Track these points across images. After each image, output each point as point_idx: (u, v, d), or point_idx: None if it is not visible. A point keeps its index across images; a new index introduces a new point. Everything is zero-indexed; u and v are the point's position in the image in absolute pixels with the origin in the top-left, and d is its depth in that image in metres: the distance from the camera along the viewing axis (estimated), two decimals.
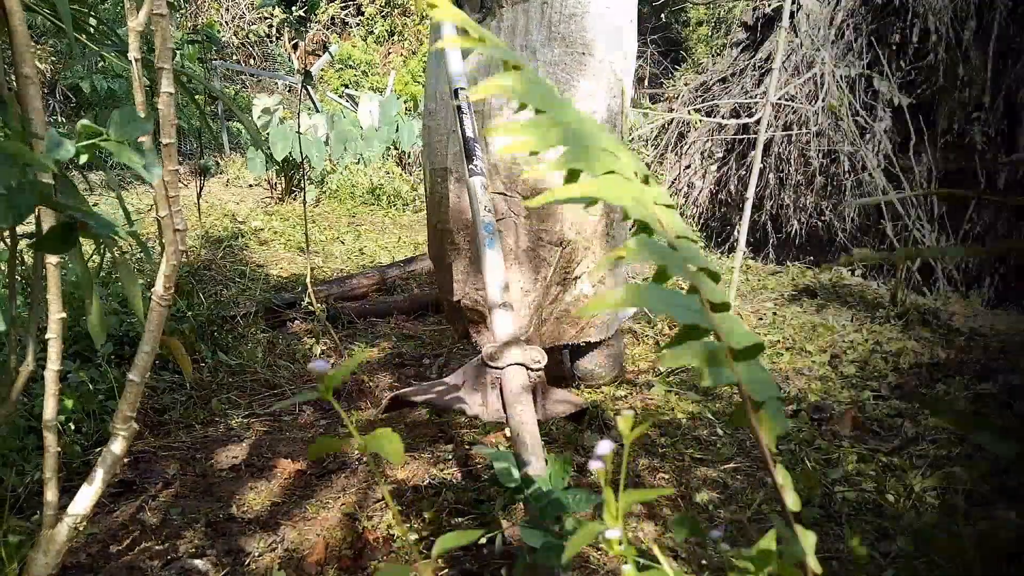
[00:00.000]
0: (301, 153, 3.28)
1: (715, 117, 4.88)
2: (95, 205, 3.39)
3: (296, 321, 2.70)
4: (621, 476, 0.62)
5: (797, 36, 4.47)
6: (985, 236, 4.01)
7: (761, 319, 3.02)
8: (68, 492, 1.02)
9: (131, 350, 2.04)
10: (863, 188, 4.27)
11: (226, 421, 1.93)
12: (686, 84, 5.71)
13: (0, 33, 0.88)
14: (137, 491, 1.56)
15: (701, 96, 5.18)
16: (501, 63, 0.61)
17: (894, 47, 4.29)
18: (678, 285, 2.47)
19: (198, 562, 1.31)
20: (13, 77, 0.89)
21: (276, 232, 4.37)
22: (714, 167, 5.04)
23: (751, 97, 4.64)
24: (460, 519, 1.46)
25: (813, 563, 0.54)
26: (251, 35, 9.69)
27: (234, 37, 9.53)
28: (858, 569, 1.25)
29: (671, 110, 5.39)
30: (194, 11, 9.42)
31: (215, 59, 7.67)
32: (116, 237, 0.76)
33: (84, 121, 0.79)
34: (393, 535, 1.40)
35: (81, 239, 0.79)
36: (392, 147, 6.50)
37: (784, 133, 4.44)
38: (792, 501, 0.54)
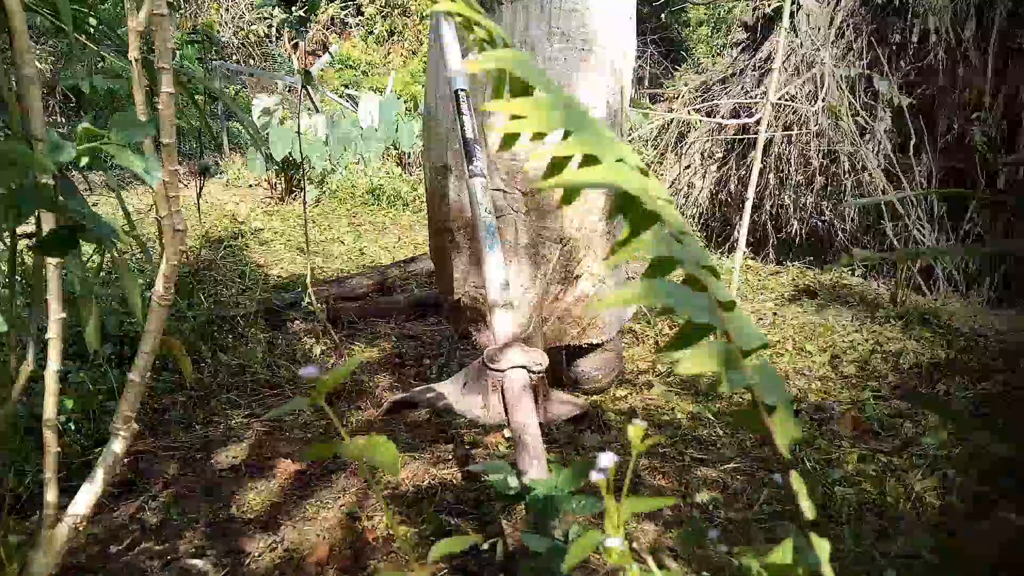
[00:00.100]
0: (301, 153, 3.28)
1: (715, 117, 4.88)
2: (95, 205, 3.39)
3: (296, 321, 2.70)
4: (625, 483, 0.62)
5: (797, 36, 4.47)
6: (985, 236, 4.01)
7: (761, 319, 3.02)
8: (68, 492, 1.02)
9: (131, 350, 2.04)
10: (863, 188, 4.27)
11: (226, 421, 1.93)
12: (686, 84, 5.71)
13: (0, 33, 0.88)
14: (137, 491, 1.56)
15: (701, 96, 5.18)
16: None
17: (894, 47, 4.29)
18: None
19: (198, 562, 1.31)
20: (13, 78, 0.89)
21: (276, 232, 4.37)
22: (714, 167, 5.04)
23: (751, 97, 4.64)
24: (460, 520, 1.46)
25: (829, 573, 0.52)
26: (251, 35, 9.68)
27: (234, 37, 9.53)
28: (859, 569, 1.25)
29: (671, 110, 5.39)
30: (194, 11, 9.41)
31: (215, 59, 7.67)
32: (118, 241, 0.76)
33: (85, 124, 0.80)
34: (392, 534, 1.40)
35: (81, 240, 0.79)
36: (392, 147, 6.50)
37: (784, 133, 4.44)
38: (808, 508, 0.53)
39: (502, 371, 1.48)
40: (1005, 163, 3.85)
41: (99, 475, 0.97)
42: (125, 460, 1.64)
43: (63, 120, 6.38)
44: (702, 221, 5.11)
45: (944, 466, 1.70)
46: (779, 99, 4.23)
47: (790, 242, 4.61)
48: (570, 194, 0.53)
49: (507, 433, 1.83)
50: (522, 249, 1.93)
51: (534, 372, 1.51)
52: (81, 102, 6.56)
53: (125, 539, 1.38)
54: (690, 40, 10.79)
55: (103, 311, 2.14)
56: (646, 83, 9.41)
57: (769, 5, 4.85)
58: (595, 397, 2.15)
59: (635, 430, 0.59)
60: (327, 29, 10.69)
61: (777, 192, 4.59)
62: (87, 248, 2.24)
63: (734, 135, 4.84)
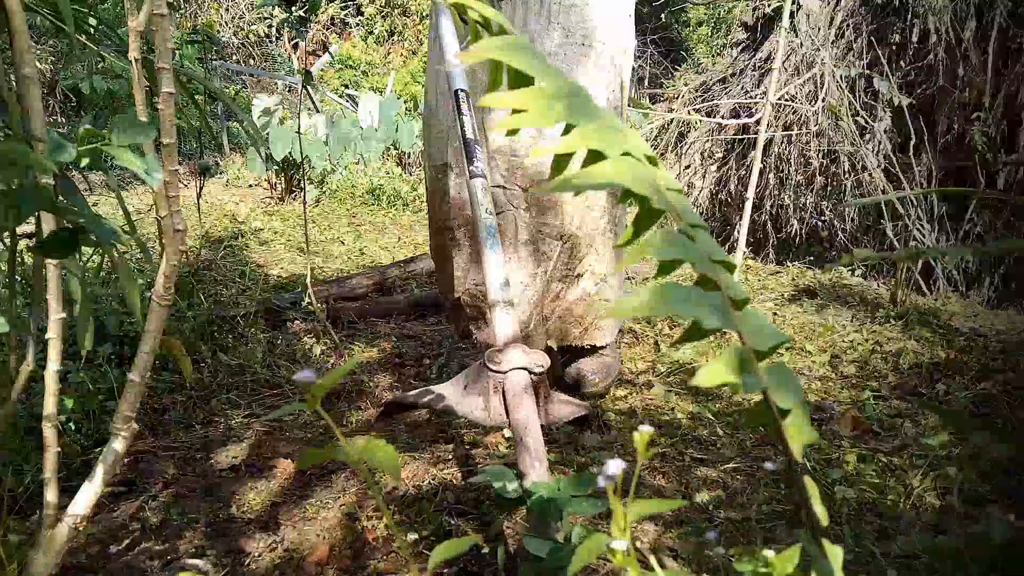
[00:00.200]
0: (301, 153, 3.28)
1: (715, 117, 4.88)
2: (95, 205, 3.39)
3: (296, 321, 2.70)
4: (632, 486, 0.61)
5: (797, 36, 4.47)
6: (985, 236, 4.01)
7: None
8: (68, 492, 1.02)
9: (131, 350, 2.04)
10: (863, 188, 4.27)
11: (226, 421, 1.93)
12: (686, 84, 5.71)
13: (0, 33, 0.88)
14: (137, 491, 1.56)
15: (701, 96, 5.18)
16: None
17: (894, 47, 4.29)
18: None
19: (198, 562, 1.31)
20: (13, 78, 0.89)
21: (276, 232, 4.37)
22: (714, 167, 5.04)
23: (751, 97, 4.64)
24: (461, 520, 1.46)
25: None
26: (251, 35, 9.68)
27: (234, 37, 9.53)
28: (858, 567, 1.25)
29: (671, 110, 5.39)
30: (194, 11, 9.41)
31: (215, 59, 7.67)
32: (117, 242, 0.76)
33: (86, 126, 0.80)
34: (392, 534, 1.40)
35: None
36: (392, 147, 6.50)
37: (784, 133, 4.44)
38: (821, 514, 0.51)
39: (503, 373, 1.47)
40: (1005, 163, 3.85)
41: (99, 475, 0.97)
42: (125, 460, 1.64)
43: (63, 120, 6.38)
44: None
45: (944, 466, 1.70)
46: (779, 99, 4.23)
47: (790, 242, 4.62)
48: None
49: (507, 433, 1.83)
50: (522, 246, 1.92)
51: (535, 373, 1.51)
52: (81, 102, 6.56)
53: (125, 539, 1.38)
54: (690, 40, 10.79)
55: (103, 311, 2.14)
56: (646, 83, 9.41)
57: (769, 5, 4.85)
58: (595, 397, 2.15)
59: (641, 436, 0.58)
60: (327, 29, 10.69)
61: (777, 192, 4.59)
62: (87, 248, 2.24)
63: (734, 135, 4.84)
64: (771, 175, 4.57)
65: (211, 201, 5.08)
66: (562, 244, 1.93)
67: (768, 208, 4.61)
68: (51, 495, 0.97)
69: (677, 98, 5.52)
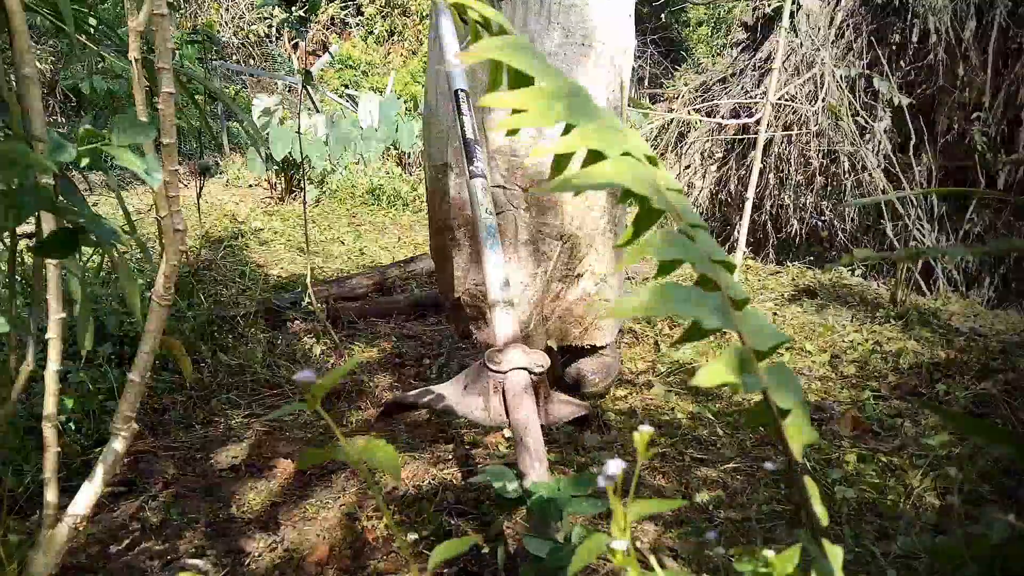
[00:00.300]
0: (301, 153, 3.28)
1: (715, 117, 4.88)
2: (95, 205, 3.39)
3: (296, 321, 2.70)
4: (632, 485, 0.61)
5: (797, 36, 4.47)
6: (985, 236, 4.01)
7: None
8: (68, 492, 1.02)
9: (131, 350, 2.04)
10: (863, 188, 4.27)
11: (226, 421, 1.93)
12: (686, 84, 5.71)
13: (0, 33, 0.88)
14: (137, 491, 1.56)
15: (701, 96, 5.18)
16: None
17: (894, 47, 4.29)
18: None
19: (198, 562, 1.31)
20: (13, 78, 0.89)
21: (276, 232, 4.37)
22: (714, 167, 5.04)
23: (751, 97, 4.64)
24: (461, 520, 1.46)
25: None
26: (251, 35, 9.68)
27: (234, 37, 9.53)
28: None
29: (671, 110, 5.39)
30: (194, 11, 9.42)
31: (215, 59, 7.66)
32: (118, 242, 0.76)
33: (86, 126, 0.80)
34: (392, 534, 1.40)
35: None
36: (392, 147, 6.50)
37: (784, 133, 4.44)
38: (821, 514, 0.51)
39: (503, 373, 1.47)
40: (1004, 162, 3.85)
41: (99, 474, 0.97)
42: (125, 460, 1.64)
43: (63, 120, 6.38)
44: None
45: (944, 466, 1.70)
46: (779, 99, 4.23)
47: (790, 242, 4.62)
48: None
49: (507, 433, 1.83)
50: (522, 246, 1.92)
51: (535, 373, 1.51)
52: (81, 102, 6.56)
53: (125, 539, 1.38)
54: (690, 40, 10.79)
55: (103, 311, 2.14)
56: (646, 83, 9.41)
57: (769, 5, 4.85)
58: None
59: (641, 436, 0.58)
60: (327, 29, 10.69)
61: (777, 192, 4.59)
62: (87, 248, 2.24)
63: (734, 135, 4.84)
64: (771, 175, 4.57)
65: (211, 201, 5.08)
66: (562, 244, 1.93)
67: (768, 208, 4.61)
68: (51, 495, 0.97)
69: (677, 98, 5.52)
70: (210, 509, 1.49)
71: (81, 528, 0.99)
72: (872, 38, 4.33)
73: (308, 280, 2.57)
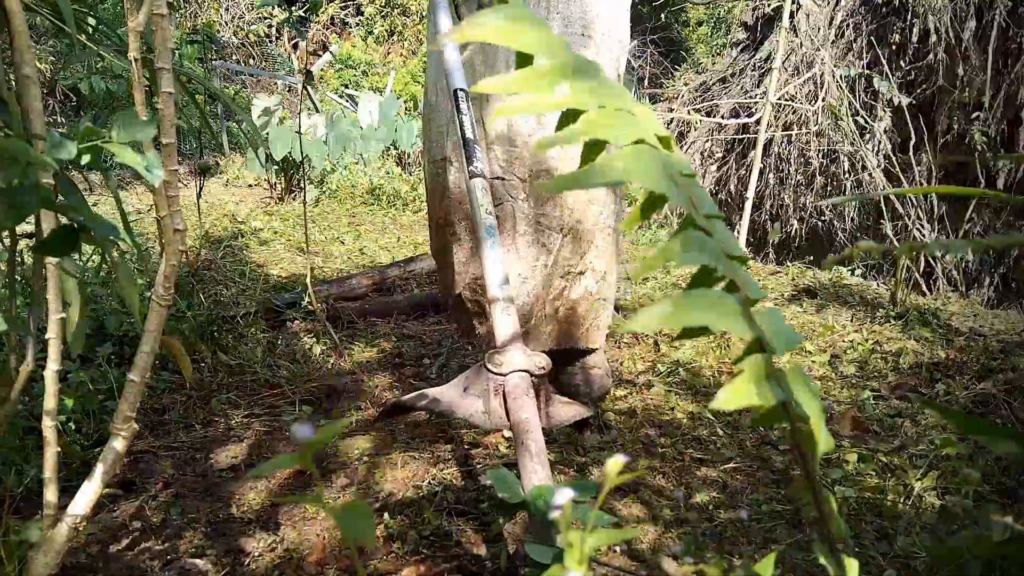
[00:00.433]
0: (301, 153, 3.28)
1: (715, 117, 4.88)
2: (95, 205, 3.39)
3: (296, 321, 2.70)
4: (591, 517, 0.61)
5: (797, 36, 4.47)
6: (985, 235, 4.01)
7: None
8: (68, 492, 1.02)
9: (131, 350, 2.04)
10: (863, 188, 4.27)
11: (226, 421, 1.93)
12: (686, 84, 5.71)
13: (0, 33, 0.88)
14: (137, 491, 1.56)
15: (701, 96, 5.18)
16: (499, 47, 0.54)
17: (894, 47, 4.29)
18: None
19: (198, 562, 1.31)
20: (13, 78, 0.89)
21: (276, 232, 4.37)
22: (714, 167, 5.04)
23: (751, 97, 4.64)
24: (461, 520, 1.46)
25: None
26: (251, 35, 9.68)
27: (234, 37, 9.53)
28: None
29: (671, 110, 5.38)
30: (194, 11, 9.42)
31: (215, 59, 7.67)
32: (118, 241, 0.76)
33: (86, 123, 0.80)
34: (392, 535, 1.40)
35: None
36: (392, 147, 6.50)
37: (784, 133, 4.44)
38: (837, 529, 0.50)
39: (503, 375, 1.46)
40: (998, 158, 3.85)
41: (99, 474, 0.97)
42: (125, 460, 1.64)
43: (63, 120, 6.38)
44: None
45: (944, 466, 1.70)
46: (779, 99, 4.23)
47: (790, 242, 4.62)
48: (571, 182, 0.45)
49: (507, 433, 1.83)
50: (520, 237, 1.91)
51: (536, 375, 1.50)
52: (81, 102, 6.56)
53: (125, 539, 1.38)
54: (690, 40, 10.79)
55: (103, 311, 2.14)
56: (646, 83, 9.41)
57: (769, 5, 4.85)
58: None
59: (613, 464, 0.56)
60: (327, 29, 10.69)
61: (777, 192, 4.59)
62: (87, 248, 2.24)
63: (734, 135, 4.84)
64: (771, 175, 4.57)
65: (211, 201, 5.08)
66: (563, 237, 1.92)
67: (768, 208, 4.61)
68: (51, 495, 0.97)
69: (677, 98, 5.52)
70: (210, 509, 1.49)
71: (81, 528, 0.99)
72: (872, 38, 4.33)
73: (308, 280, 2.57)
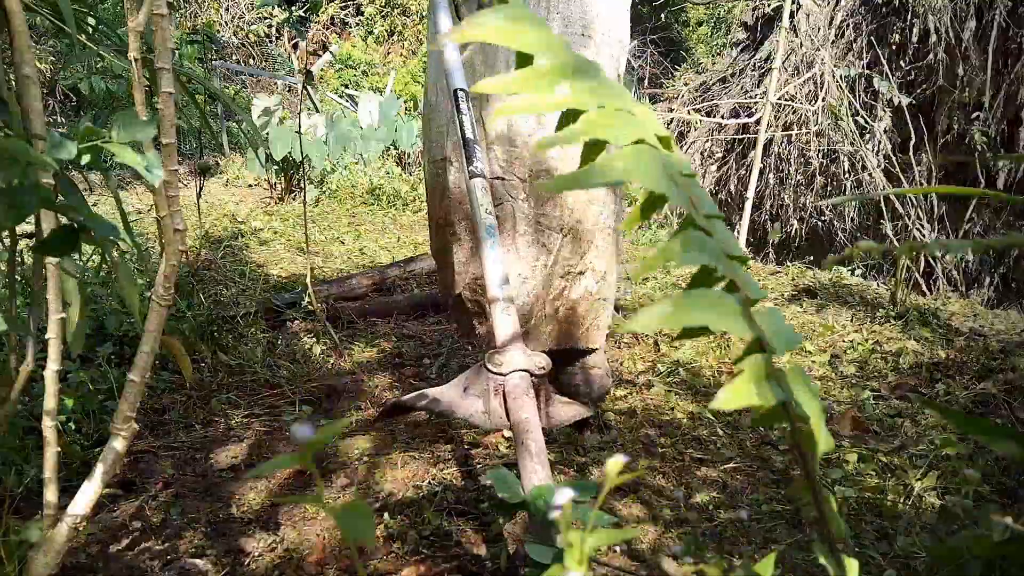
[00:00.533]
0: (301, 153, 3.28)
1: (715, 117, 4.88)
2: (95, 205, 3.39)
3: (296, 321, 2.70)
4: (591, 516, 0.61)
5: (797, 36, 4.47)
6: (985, 235, 4.01)
7: None
8: (68, 492, 1.02)
9: (131, 350, 2.04)
10: (863, 188, 4.27)
11: (226, 421, 1.93)
12: (686, 84, 5.71)
13: (0, 33, 0.88)
14: (137, 491, 1.56)
15: (701, 96, 5.18)
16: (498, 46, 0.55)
17: (894, 47, 4.29)
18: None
19: (198, 562, 1.31)
20: (13, 78, 0.89)
21: (276, 232, 4.37)
22: (714, 167, 5.04)
23: (751, 97, 4.64)
24: (461, 520, 1.46)
25: None
26: (251, 35, 9.69)
27: (234, 37, 9.53)
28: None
29: (671, 110, 5.38)
30: (194, 11, 9.42)
31: (215, 59, 7.67)
32: (118, 240, 0.76)
33: (86, 123, 0.80)
34: (392, 535, 1.40)
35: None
36: (392, 147, 6.50)
37: (784, 133, 4.44)
38: (837, 529, 0.50)
39: (503, 375, 1.46)
40: (998, 158, 3.85)
41: (99, 474, 0.97)
42: (125, 460, 1.64)
43: (63, 120, 6.38)
44: None
45: (944, 466, 1.70)
46: (779, 99, 4.23)
47: (790, 242, 4.62)
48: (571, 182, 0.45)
49: (507, 432, 1.83)
50: (520, 237, 1.91)
51: (536, 375, 1.50)
52: (81, 102, 6.56)
53: (125, 539, 1.38)
54: (690, 40, 10.80)
55: (103, 311, 2.14)
56: (646, 83, 9.41)
57: (769, 5, 4.86)
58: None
59: (613, 464, 0.57)
60: (327, 29, 10.70)
61: (777, 192, 4.59)
62: (87, 248, 2.24)
63: (734, 135, 4.84)
64: (771, 175, 4.57)
65: (211, 201, 5.08)
66: (563, 236, 1.92)
67: (768, 208, 4.61)
68: (51, 495, 0.97)
69: (677, 98, 5.52)
70: (210, 509, 1.49)
71: (81, 528, 0.99)
72: (872, 38, 4.33)
73: (308, 280, 2.57)
